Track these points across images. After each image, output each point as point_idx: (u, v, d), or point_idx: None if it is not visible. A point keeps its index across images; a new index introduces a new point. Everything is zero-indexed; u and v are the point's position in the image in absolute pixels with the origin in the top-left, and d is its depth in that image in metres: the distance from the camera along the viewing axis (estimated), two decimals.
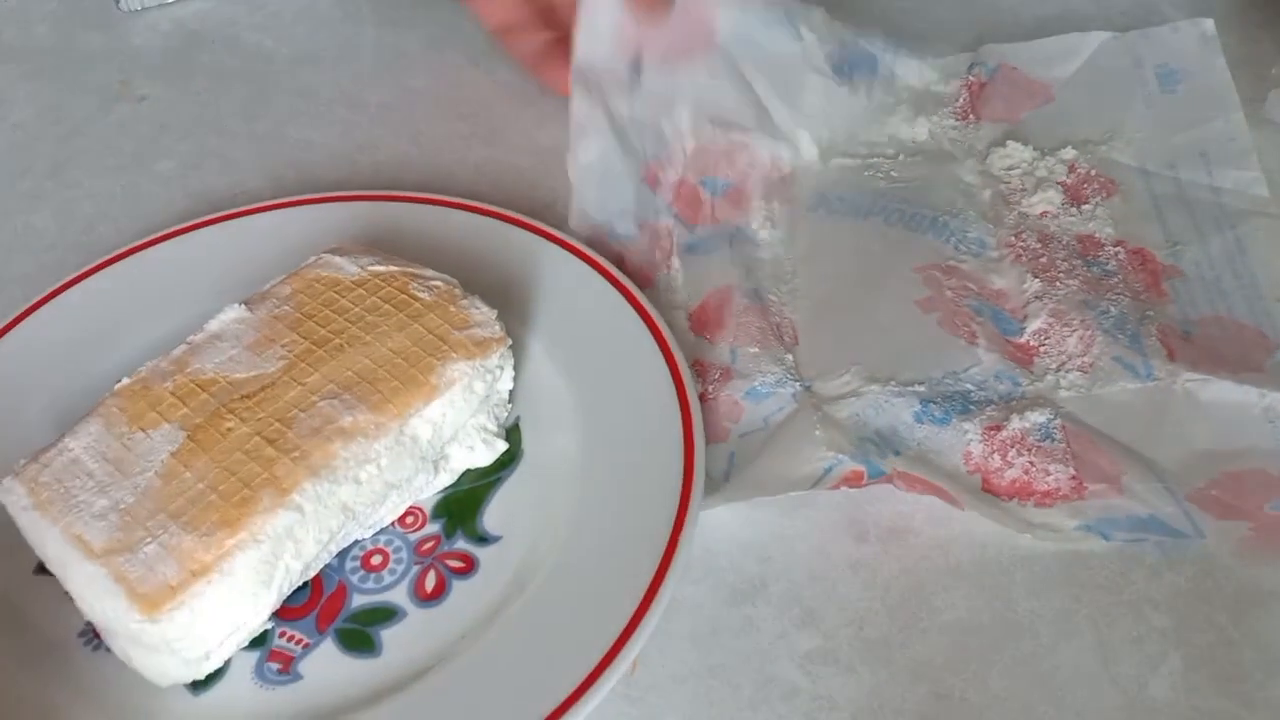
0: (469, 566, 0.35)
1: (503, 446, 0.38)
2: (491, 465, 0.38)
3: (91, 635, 0.34)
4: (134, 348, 0.39)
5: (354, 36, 0.57)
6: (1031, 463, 0.36)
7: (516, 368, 0.38)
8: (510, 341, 0.37)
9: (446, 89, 0.54)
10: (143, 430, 0.33)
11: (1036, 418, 0.36)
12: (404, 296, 0.37)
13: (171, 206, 0.49)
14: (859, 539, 0.36)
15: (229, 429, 0.33)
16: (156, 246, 0.44)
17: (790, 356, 0.40)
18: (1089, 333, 0.39)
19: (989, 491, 0.36)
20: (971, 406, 0.37)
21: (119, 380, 0.35)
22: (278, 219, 0.45)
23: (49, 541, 0.32)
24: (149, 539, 0.31)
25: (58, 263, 0.47)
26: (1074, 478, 0.35)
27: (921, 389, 0.38)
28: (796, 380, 0.39)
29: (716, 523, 0.36)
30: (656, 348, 0.39)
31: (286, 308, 0.37)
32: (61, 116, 0.54)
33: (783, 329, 0.41)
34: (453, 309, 0.36)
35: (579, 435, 0.37)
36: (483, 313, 0.37)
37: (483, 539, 0.36)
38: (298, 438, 0.33)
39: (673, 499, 0.35)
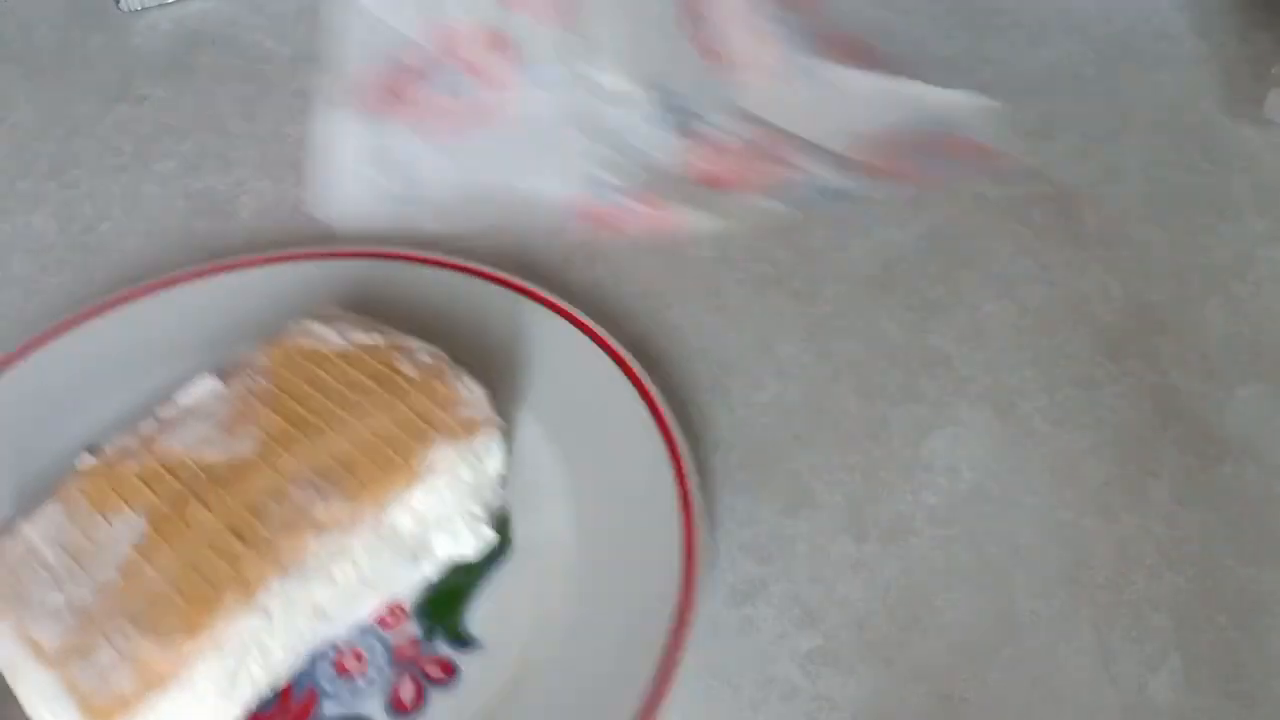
0: (449, 674, 0.32)
1: (490, 536, 0.35)
2: (480, 558, 0.35)
3: None
4: (103, 413, 0.37)
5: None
6: (728, 156, 0.42)
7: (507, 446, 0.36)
8: (502, 423, 0.34)
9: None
10: (104, 516, 0.31)
11: (728, 119, 0.42)
12: (388, 371, 0.34)
13: (172, 206, 0.49)
14: (859, 539, 0.36)
15: (196, 519, 0.30)
16: (127, 304, 0.42)
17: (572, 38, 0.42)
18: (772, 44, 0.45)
19: (701, 183, 0.42)
20: (685, 116, 0.43)
21: (82, 453, 0.33)
22: (256, 276, 0.42)
23: None
24: (105, 643, 0.28)
25: (58, 263, 0.47)
26: (759, 162, 0.42)
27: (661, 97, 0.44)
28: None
29: (716, 522, 0.36)
30: (653, 424, 0.36)
31: (263, 381, 0.34)
32: (61, 116, 0.54)
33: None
34: (439, 385, 0.33)
35: (572, 523, 0.35)
36: (471, 391, 0.33)
37: (465, 643, 0.33)
38: (267, 530, 0.30)
39: (670, 599, 0.32)
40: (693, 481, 0.35)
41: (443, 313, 0.40)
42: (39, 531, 0.31)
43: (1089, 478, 0.37)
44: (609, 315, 0.41)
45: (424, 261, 0.42)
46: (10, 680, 0.30)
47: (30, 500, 0.32)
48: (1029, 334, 0.41)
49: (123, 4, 0.58)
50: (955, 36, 0.54)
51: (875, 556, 0.36)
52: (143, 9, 0.58)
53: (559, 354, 0.39)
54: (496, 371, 0.37)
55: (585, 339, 0.39)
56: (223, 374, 0.34)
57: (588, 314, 0.40)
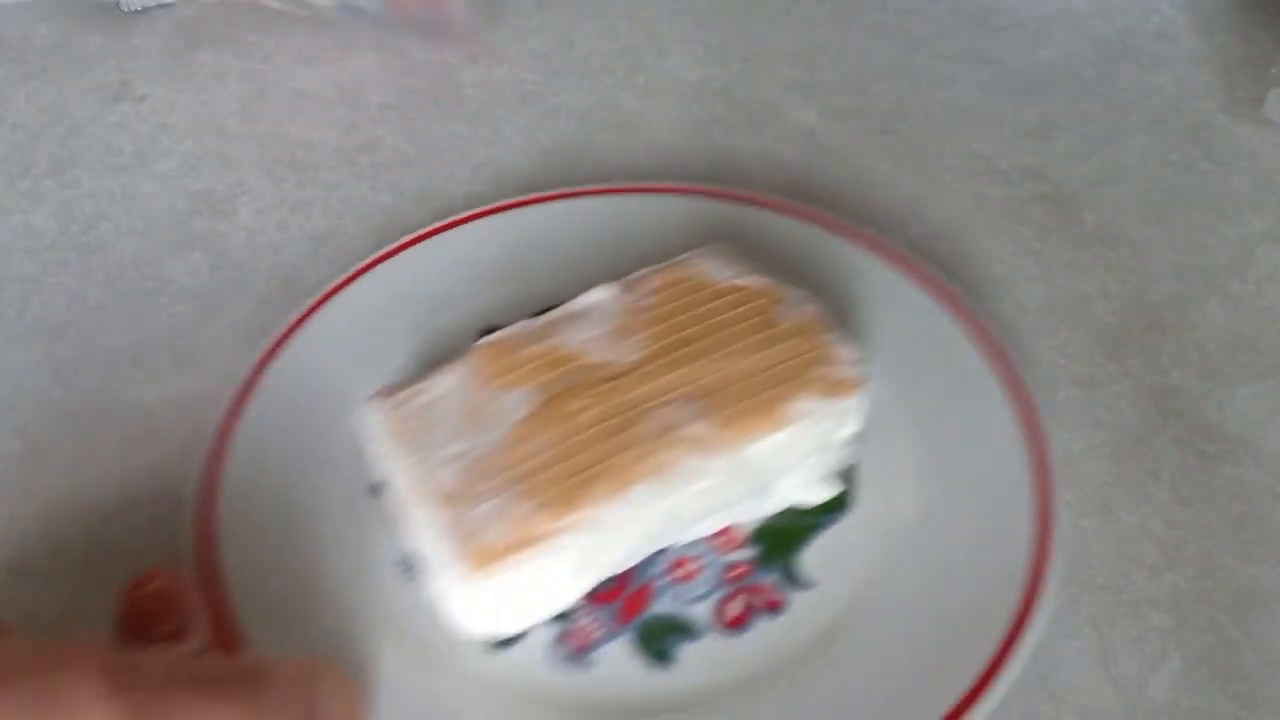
0: (777, 605, 0.34)
1: (835, 490, 0.36)
2: (816, 507, 0.36)
3: (407, 565, 0.35)
4: (501, 301, 0.41)
5: (354, 36, 0.57)
6: None
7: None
8: (868, 386, 0.35)
9: (447, 89, 0.54)
10: (500, 389, 0.34)
11: None
12: (768, 316, 0.35)
13: (172, 206, 0.49)
14: None
15: (580, 409, 0.33)
16: (538, 205, 0.45)
17: None
18: None
19: None
20: None
21: (485, 332, 0.36)
22: (652, 203, 0.45)
23: (398, 471, 0.33)
24: (489, 498, 0.31)
25: (58, 263, 0.47)
26: None
27: None
28: None
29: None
30: (1006, 400, 0.37)
31: (652, 300, 0.36)
32: (61, 116, 0.54)
33: None
34: (815, 339, 0.35)
35: (917, 492, 0.36)
36: (848, 351, 0.35)
37: (796, 580, 0.34)
38: (643, 435, 0.33)
39: (1016, 588, 0.33)
40: (1053, 469, 0.35)
41: (816, 266, 0.41)
42: (443, 389, 0.34)
43: (1089, 478, 0.37)
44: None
45: (818, 221, 0.44)
46: (400, 508, 0.33)
47: (434, 365, 0.35)
48: (1029, 334, 0.41)
49: (123, 4, 0.58)
50: (955, 36, 0.54)
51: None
52: (143, 9, 0.58)
53: (908, 312, 0.40)
54: (850, 325, 0.39)
55: (934, 301, 0.40)
56: (619, 287, 0.37)
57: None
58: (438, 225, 0.44)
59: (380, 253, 0.43)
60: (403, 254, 0.43)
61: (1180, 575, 0.35)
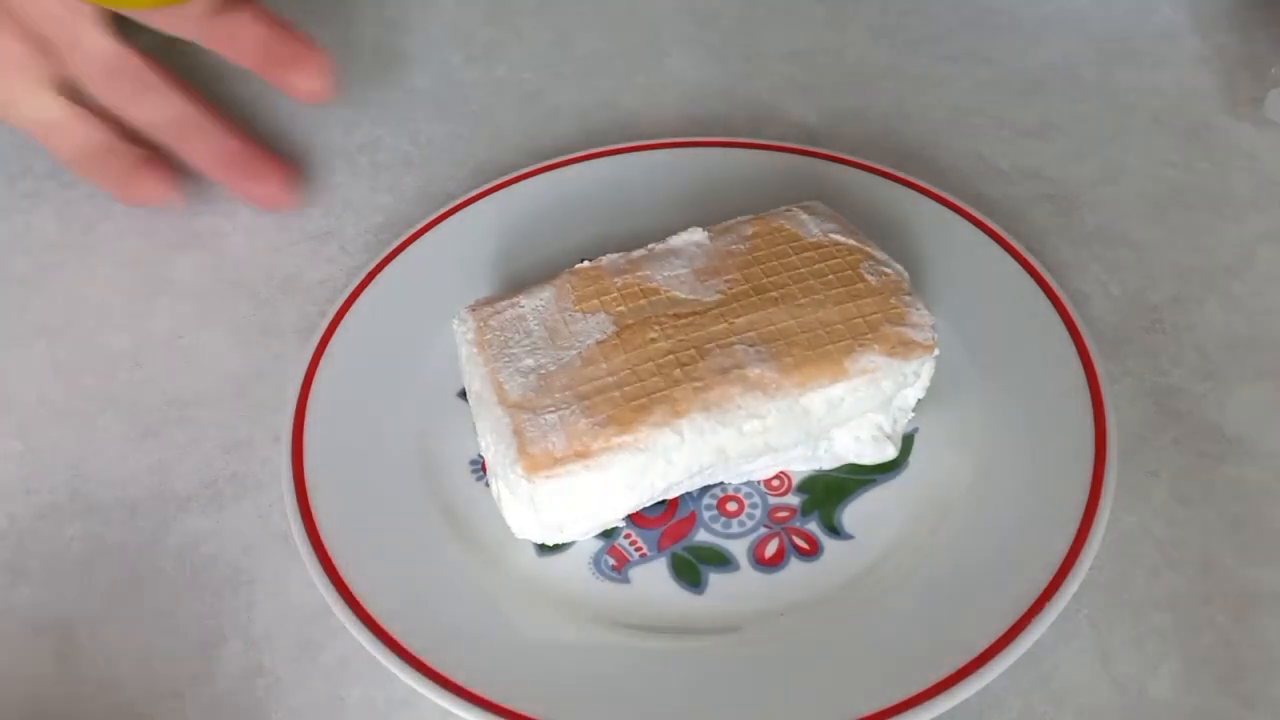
0: (813, 550, 0.35)
1: (892, 452, 0.36)
2: (871, 466, 0.37)
3: (479, 467, 0.38)
4: (596, 235, 0.43)
5: (354, 37, 0.57)
6: None
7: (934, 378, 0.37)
8: (938, 353, 0.35)
9: (446, 89, 0.54)
10: (582, 312, 0.36)
11: None
12: (852, 273, 0.36)
13: (172, 207, 0.49)
14: None
15: (652, 339, 0.35)
16: (649, 151, 0.47)
17: None
18: None
19: None
20: None
21: (579, 260, 0.38)
22: (756, 158, 0.47)
23: (476, 377, 0.35)
24: (552, 409, 0.33)
25: (58, 263, 0.47)
26: None
27: None
28: None
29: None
30: (1078, 383, 0.37)
31: (742, 246, 0.38)
32: None
33: None
34: (893, 301, 0.36)
35: (972, 462, 0.36)
36: (921, 315, 0.35)
37: (835, 530, 0.36)
38: (705, 370, 0.34)
39: (1057, 559, 0.33)
40: (1112, 437, 0.36)
41: (908, 232, 0.43)
42: (530, 306, 0.36)
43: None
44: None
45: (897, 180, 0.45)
46: (474, 410, 0.36)
47: (530, 284, 0.38)
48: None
49: None
50: (955, 36, 0.54)
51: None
52: None
53: (990, 279, 0.41)
54: (930, 291, 0.40)
55: (1022, 270, 0.41)
56: (712, 231, 0.38)
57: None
58: (546, 164, 0.47)
59: (487, 186, 0.46)
60: (513, 186, 0.46)
61: (1180, 575, 0.35)
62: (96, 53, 0.42)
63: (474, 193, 0.46)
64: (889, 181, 0.45)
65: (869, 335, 0.35)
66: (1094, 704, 0.32)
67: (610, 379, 0.34)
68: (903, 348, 0.35)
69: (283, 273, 0.45)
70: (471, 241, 0.44)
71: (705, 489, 0.37)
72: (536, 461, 0.33)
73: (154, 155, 0.45)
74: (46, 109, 0.43)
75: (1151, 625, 0.34)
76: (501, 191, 0.46)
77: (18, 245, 0.48)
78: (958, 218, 0.43)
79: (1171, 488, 0.37)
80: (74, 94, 0.43)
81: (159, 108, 0.44)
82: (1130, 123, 0.50)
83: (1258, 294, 0.43)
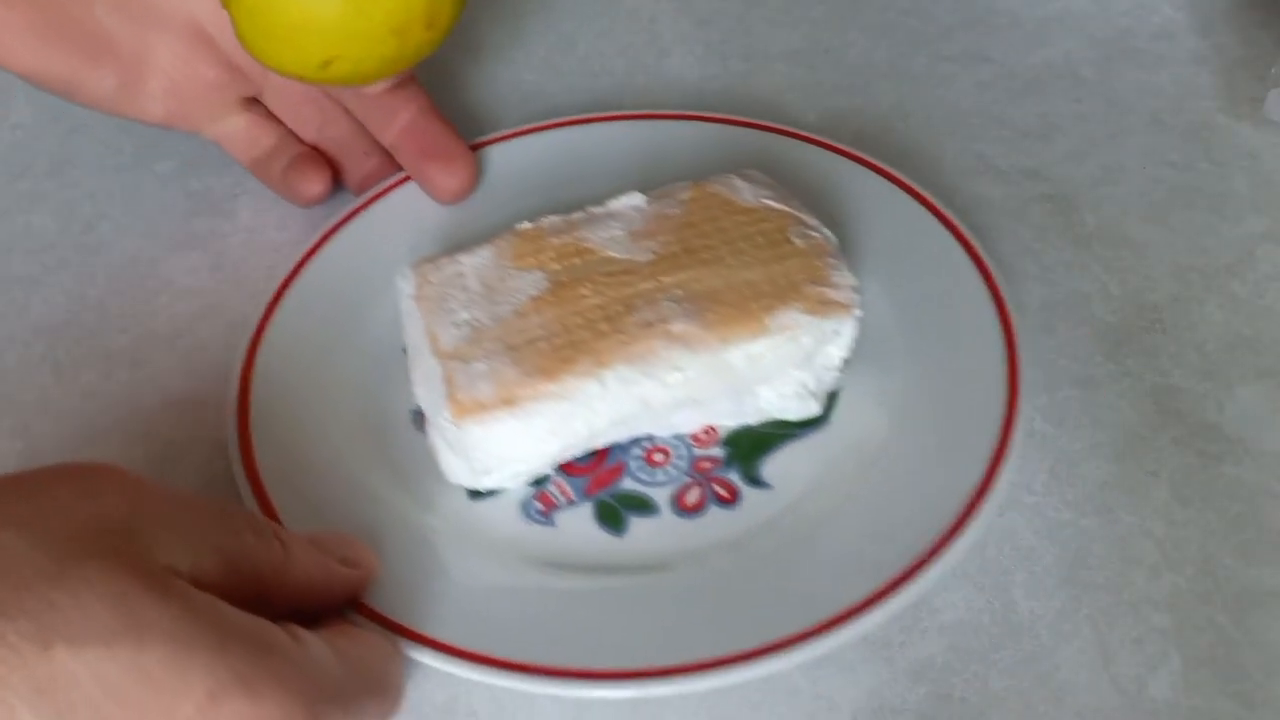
0: (732, 499, 0.37)
1: (816, 409, 0.38)
2: (795, 421, 0.38)
3: (420, 418, 0.39)
4: (550, 202, 0.43)
5: None
6: None
7: (858, 340, 0.38)
8: (860, 314, 0.37)
9: (446, 89, 0.54)
10: (519, 269, 0.38)
11: None
12: (780, 237, 0.38)
13: (172, 207, 0.49)
14: None
15: (583, 295, 0.36)
16: (603, 124, 0.49)
17: None
18: None
19: None
20: None
21: (522, 222, 0.39)
22: (700, 130, 0.48)
23: (413, 329, 0.37)
24: (482, 359, 0.35)
25: (58, 262, 0.47)
26: None
27: None
28: None
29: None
30: (999, 349, 0.38)
31: (678, 210, 0.39)
32: (61, 116, 0.54)
33: None
34: (817, 263, 0.37)
35: (892, 418, 0.38)
36: (843, 277, 0.37)
37: (755, 480, 0.37)
38: (631, 324, 0.36)
39: (959, 506, 0.34)
40: (1021, 415, 0.36)
41: (843, 201, 0.44)
42: (470, 264, 0.38)
43: (1089, 478, 0.37)
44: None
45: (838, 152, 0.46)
46: (410, 357, 0.38)
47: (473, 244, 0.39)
48: (1029, 334, 0.41)
49: None
50: (955, 36, 0.54)
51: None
52: None
53: (932, 255, 0.42)
54: (871, 261, 0.42)
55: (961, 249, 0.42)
56: (650, 196, 0.40)
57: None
58: (502, 134, 0.48)
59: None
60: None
61: (1180, 575, 0.35)
62: (283, 83, 0.46)
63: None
64: (836, 156, 0.46)
65: (791, 294, 0.36)
66: (1094, 704, 0.32)
67: (540, 332, 0.36)
68: (822, 306, 0.36)
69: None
70: (427, 208, 0.46)
71: (635, 440, 0.38)
72: (464, 407, 0.34)
73: (314, 154, 0.48)
74: (233, 124, 0.48)
75: (1151, 625, 0.34)
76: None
77: (18, 245, 0.48)
78: (898, 191, 0.44)
79: (1171, 488, 0.37)
80: (257, 106, 0.48)
81: (328, 131, 0.48)
82: (1130, 123, 0.50)
83: (1258, 294, 0.43)
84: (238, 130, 0.48)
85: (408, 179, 0.46)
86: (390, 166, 0.47)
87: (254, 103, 0.48)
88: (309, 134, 0.48)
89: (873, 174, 0.45)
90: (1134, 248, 0.44)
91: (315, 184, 0.46)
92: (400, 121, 0.45)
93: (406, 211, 0.45)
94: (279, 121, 0.48)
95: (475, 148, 0.47)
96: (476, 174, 0.46)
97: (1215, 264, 0.44)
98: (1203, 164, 0.48)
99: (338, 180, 0.47)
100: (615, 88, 0.53)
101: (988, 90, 0.52)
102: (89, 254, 0.47)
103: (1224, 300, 0.42)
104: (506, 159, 0.47)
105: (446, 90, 0.54)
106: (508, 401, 0.34)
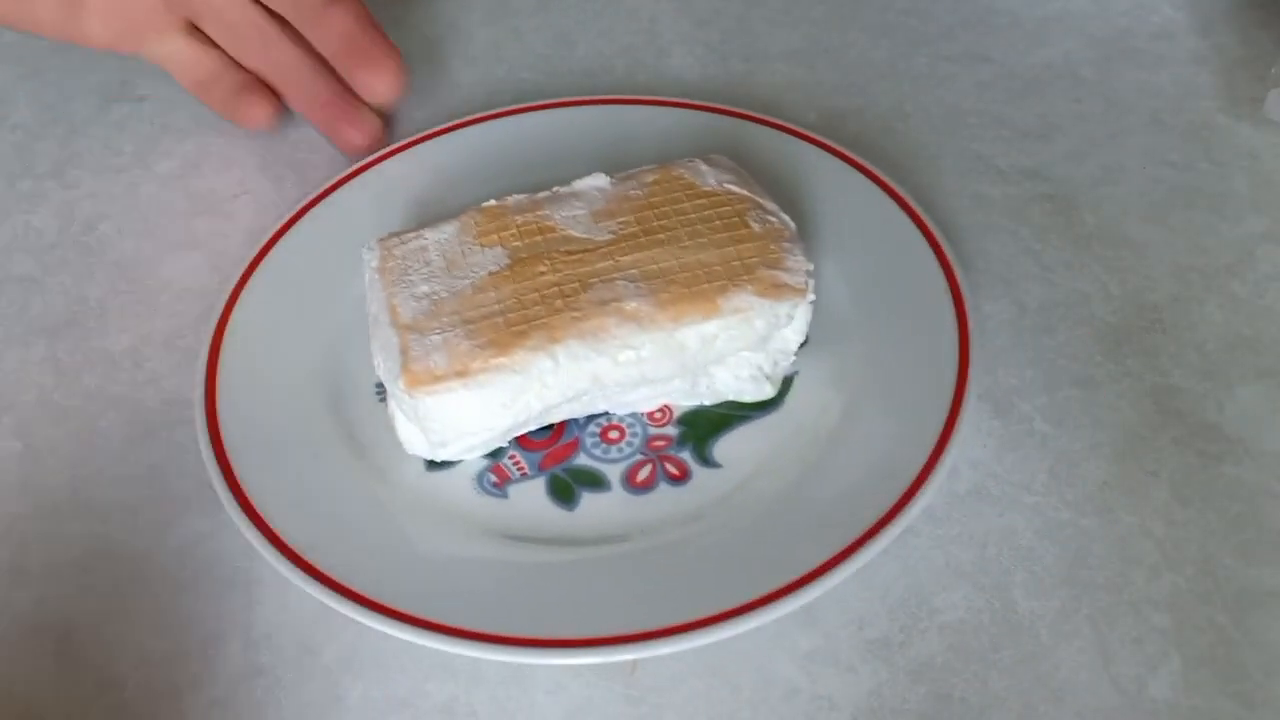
0: (682, 476, 0.38)
1: (770, 391, 0.39)
2: (750, 404, 0.39)
3: (383, 390, 0.40)
4: (520, 182, 0.43)
5: None
6: None
7: (817, 326, 0.39)
8: (813, 298, 0.37)
9: (444, 89, 0.54)
10: (481, 245, 0.38)
11: None
12: (738, 220, 0.38)
13: (172, 207, 0.49)
14: None
15: (541, 272, 0.37)
16: (569, 109, 0.50)
17: None
18: None
19: None
20: None
21: (488, 201, 0.40)
22: (670, 115, 0.49)
23: (375, 301, 0.38)
24: (439, 331, 0.36)
25: (58, 263, 0.47)
26: None
27: None
28: None
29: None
30: (954, 339, 0.39)
31: (640, 192, 0.40)
32: (61, 116, 0.54)
33: None
34: (773, 247, 0.37)
35: (844, 401, 0.38)
36: (797, 261, 0.37)
37: (705, 460, 0.38)
38: (586, 301, 0.36)
39: (904, 484, 0.35)
40: (972, 389, 0.37)
41: (808, 186, 0.45)
42: (433, 239, 0.39)
43: (1089, 478, 0.38)
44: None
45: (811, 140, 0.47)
46: (371, 328, 0.38)
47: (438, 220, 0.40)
48: (1029, 334, 0.42)
49: None
50: (955, 36, 0.54)
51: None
52: None
53: (895, 243, 0.43)
54: (829, 243, 0.43)
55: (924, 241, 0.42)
56: (614, 178, 0.40)
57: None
58: (475, 117, 0.50)
59: (414, 137, 0.49)
60: (438, 138, 0.49)
61: (1180, 575, 0.35)
62: (222, 6, 0.48)
63: (408, 140, 0.49)
64: (803, 142, 0.47)
65: (745, 277, 0.37)
66: (1094, 704, 0.32)
67: (496, 306, 0.36)
68: (775, 290, 0.36)
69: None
70: (401, 185, 0.47)
71: (591, 418, 0.39)
72: (418, 378, 0.35)
73: (258, 81, 0.49)
74: (173, 45, 0.49)
75: (1151, 625, 0.34)
76: (431, 141, 0.49)
77: (18, 245, 0.48)
78: (864, 179, 0.45)
79: (1171, 488, 0.37)
80: (198, 32, 0.49)
81: (269, 55, 0.49)
82: (1130, 123, 0.50)
83: (1258, 294, 0.43)
84: (178, 52, 0.49)
85: (382, 159, 0.48)
86: (336, 85, 0.48)
87: (196, 29, 0.49)
88: (252, 59, 0.49)
89: (841, 162, 0.46)
90: (1134, 248, 0.44)
91: (259, 107, 0.48)
92: (335, 28, 0.47)
93: (380, 191, 0.47)
94: (221, 47, 0.50)
95: (454, 128, 0.49)
96: (405, 78, 0.47)
97: (1215, 264, 0.44)
98: (1203, 164, 0.48)
99: (286, 109, 0.49)
100: (615, 88, 0.53)
101: (988, 90, 0.52)
102: (89, 254, 0.47)
103: (1224, 300, 0.42)
104: (485, 140, 0.48)
105: (444, 90, 0.54)
106: (460, 373, 0.35)
